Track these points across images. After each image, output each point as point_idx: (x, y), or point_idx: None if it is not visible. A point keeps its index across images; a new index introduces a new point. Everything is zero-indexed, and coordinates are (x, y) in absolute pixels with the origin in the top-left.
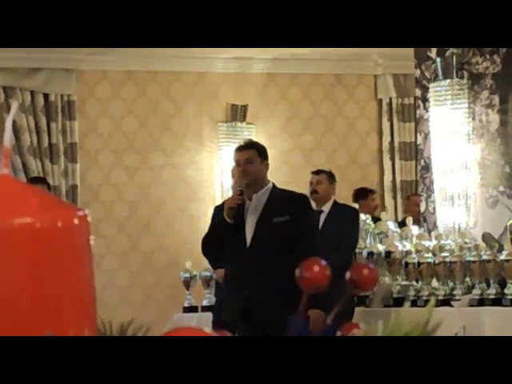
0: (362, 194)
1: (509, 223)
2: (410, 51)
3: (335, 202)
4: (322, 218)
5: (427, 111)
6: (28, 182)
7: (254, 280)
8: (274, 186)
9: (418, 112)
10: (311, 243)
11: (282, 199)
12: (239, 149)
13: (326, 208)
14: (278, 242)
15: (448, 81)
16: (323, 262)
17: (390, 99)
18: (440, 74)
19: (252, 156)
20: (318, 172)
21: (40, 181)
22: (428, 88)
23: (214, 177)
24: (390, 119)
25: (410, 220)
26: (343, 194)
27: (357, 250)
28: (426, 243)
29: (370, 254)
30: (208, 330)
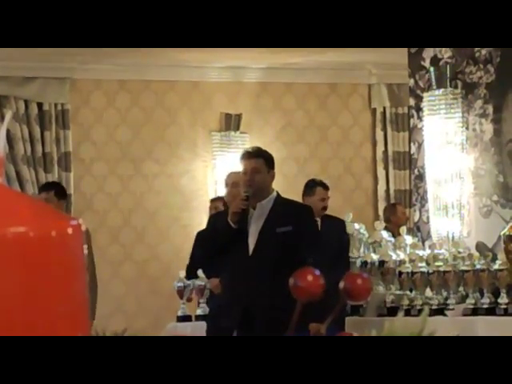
0: (391, 209)
1: (502, 233)
2: (404, 60)
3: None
4: None
5: (421, 121)
6: (41, 189)
7: (254, 289)
8: (278, 194)
9: (411, 121)
10: (313, 254)
11: (285, 209)
12: (247, 156)
13: (317, 219)
14: (280, 252)
15: (442, 90)
16: (317, 272)
17: (384, 108)
18: (434, 83)
19: (259, 166)
20: (328, 187)
21: (52, 187)
22: (422, 97)
23: (207, 186)
24: (384, 128)
25: (403, 230)
26: (337, 204)
27: (350, 260)
28: (420, 253)
29: (364, 263)
30: None
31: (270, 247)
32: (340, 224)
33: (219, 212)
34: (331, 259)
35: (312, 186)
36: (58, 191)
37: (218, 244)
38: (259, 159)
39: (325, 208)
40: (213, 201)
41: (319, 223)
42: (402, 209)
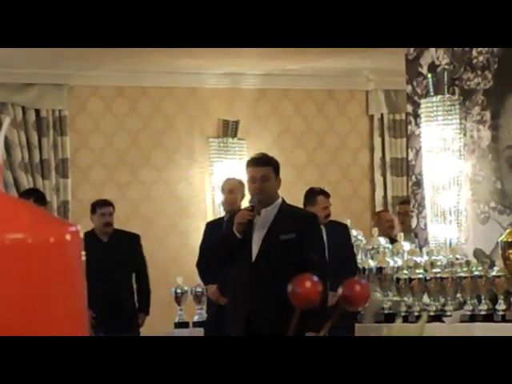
0: (377, 218)
1: (500, 239)
2: (402, 67)
3: None
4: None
5: (418, 127)
6: (20, 196)
7: (257, 295)
8: (283, 201)
9: (409, 128)
10: (318, 261)
11: (290, 216)
12: (255, 164)
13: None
14: (283, 259)
15: (439, 97)
16: (315, 278)
17: (382, 115)
18: (431, 89)
19: (268, 173)
20: (329, 195)
21: (32, 194)
22: (419, 104)
23: (205, 192)
24: (382, 135)
25: (401, 236)
26: (335, 210)
27: None
28: (418, 259)
29: (362, 269)
30: None
31: (273, 254)
32: (344, 229)
33: (215, 220)
34: (339, 265)
35: (313, 195)
36: (37, 198)
37: (221, 253)
38: (268, 167)
39: (328, 216)
40: (98, 205)
41: (323, 231)
42: (387, 216)
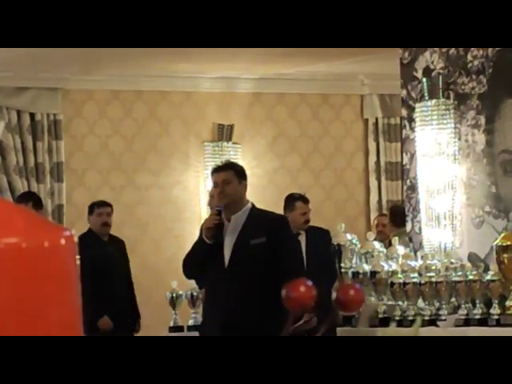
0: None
1: (495, 243)
2: (396, 71)
3: None
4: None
5: (413, 131)
6: (17, 199)
7: (232, 301)
8: (253, 206)
9: (404, 132)
10: (292, 264)
11: (260, 220)
12: (216, 170)
13: (302, 232)
14: (255, 264)
15: (434, 101)
16: (309, 283)
17: (376, 119)
18: (426, 94)
19: (229, 177)
20: (308, 200)
21: (30, 197)
22: (414, 108)
23: (200, 197)
24: (376, 139)
25: (395, 240)
26: (329, 214)
27: (342, 270)
28: (412, 263)
29: (356, 273)
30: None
31: (245, 259)
32: (325, 235)
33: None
34: (319, 270)
35: (292, 200)
36: (35, 202)
37: (194, 260)
38: (228, 171)
39: (307, 221)
40: (97, 205)
41: (304, 236)
42: (382, 220)
